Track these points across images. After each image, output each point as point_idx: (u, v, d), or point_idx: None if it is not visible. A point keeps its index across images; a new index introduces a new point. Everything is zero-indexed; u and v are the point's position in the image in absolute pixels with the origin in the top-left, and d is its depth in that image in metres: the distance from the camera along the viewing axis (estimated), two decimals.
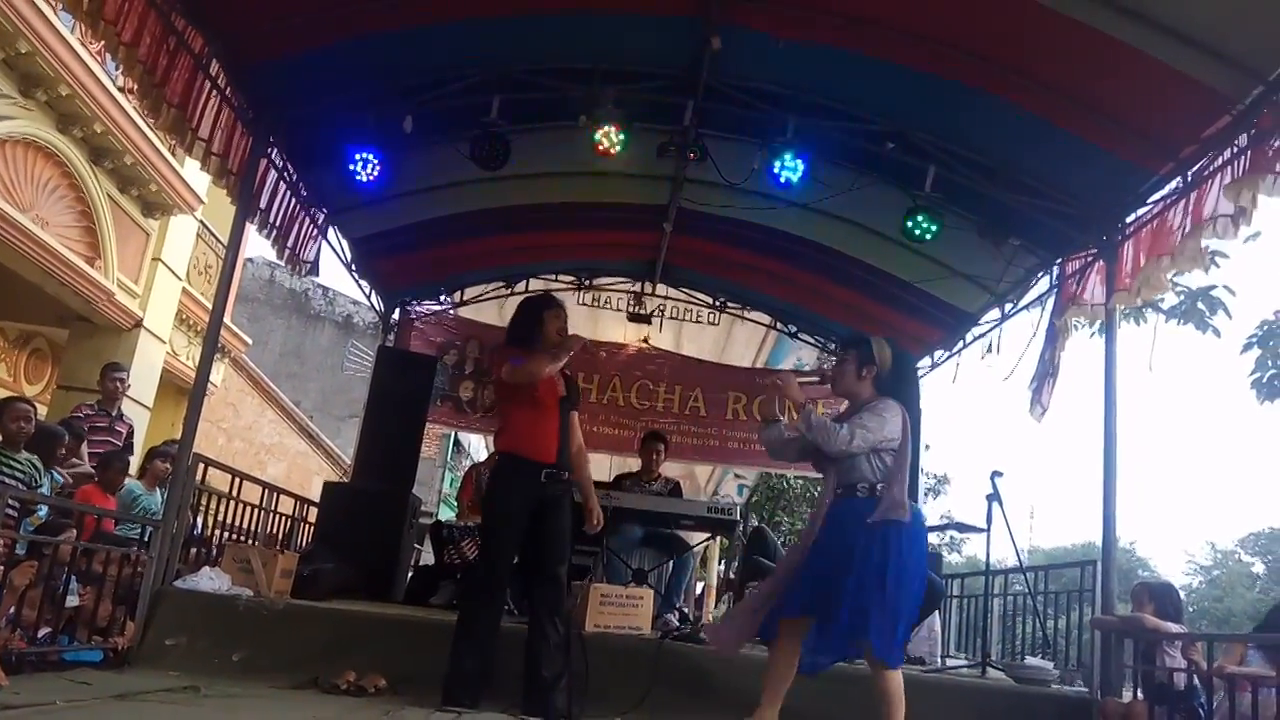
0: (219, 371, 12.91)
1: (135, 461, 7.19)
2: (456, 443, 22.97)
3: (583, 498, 4.54)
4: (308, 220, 6.73)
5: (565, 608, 4.33)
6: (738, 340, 10.29)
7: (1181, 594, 5.24)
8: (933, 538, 11.14)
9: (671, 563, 6.55)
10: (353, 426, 12.87)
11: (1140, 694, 4.59)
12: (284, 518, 6.87)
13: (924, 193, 5.73)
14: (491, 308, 9.63)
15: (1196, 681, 4.27)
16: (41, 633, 4.16)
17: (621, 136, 5.57)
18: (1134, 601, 4.95)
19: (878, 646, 3.59)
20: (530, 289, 9.21)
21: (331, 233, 7.27)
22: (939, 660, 5.96)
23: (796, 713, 4.52)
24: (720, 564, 18.08)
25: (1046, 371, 6.27)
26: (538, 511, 4.25)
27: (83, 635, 4.43)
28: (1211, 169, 4.66)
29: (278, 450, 16.79)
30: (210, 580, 4.90)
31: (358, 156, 5.70)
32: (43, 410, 7.97)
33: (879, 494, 3.74)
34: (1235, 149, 4.46)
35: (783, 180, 5.71)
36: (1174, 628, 4.59)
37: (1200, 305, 9.43)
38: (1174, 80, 4.43)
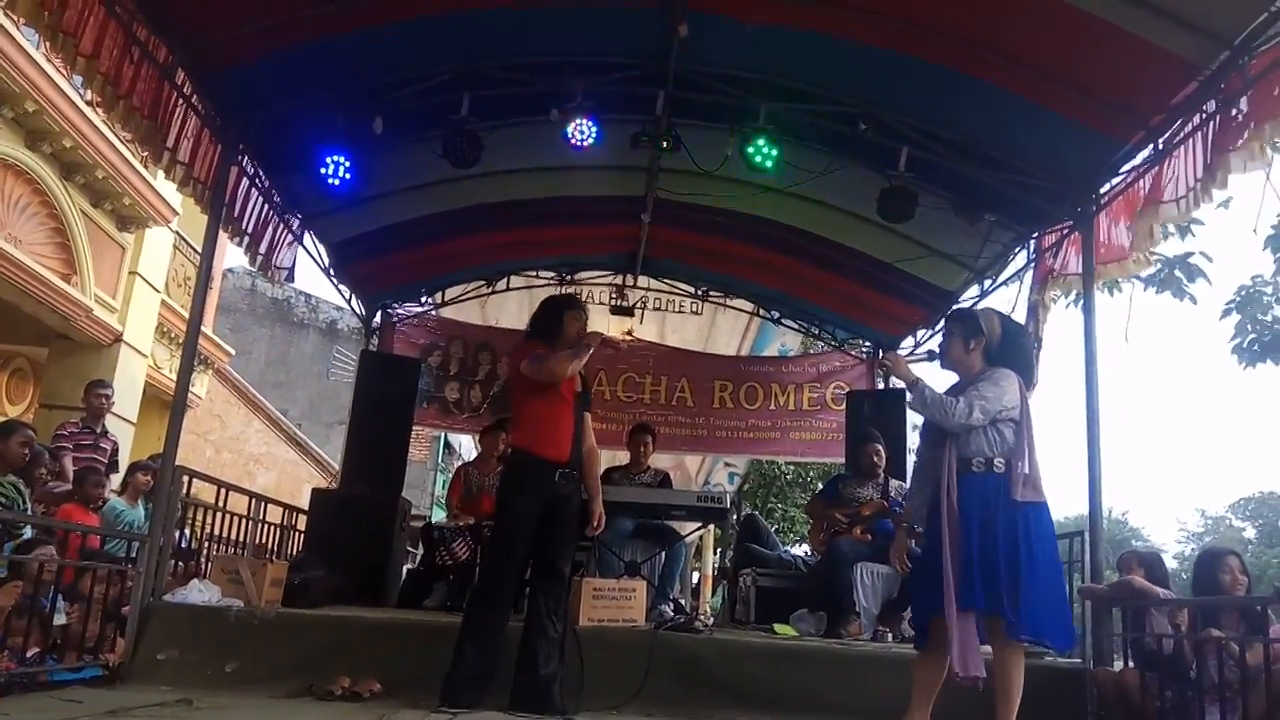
0: (203, 383, 12.84)
1: (120, 477, 7.14)
2: (447, 444, 22.93)
3: (588, 497, 4.54)
4: (282, 226, 6.69)
5: (565, 605, 4.32)
6: (721, 329, 10.29)
7: (1175, 562, 5.28)
8: None
9: (664, 554, 6.56)
10: (341, 433, 12.82)
11: (1131, 662, 4.62)
12: (273, 527, 6.84)
13: (898, 172, 5.73)
14: (473, 307, 9.61)
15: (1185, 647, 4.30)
16: (30, 653, 4.13)
17: (593, 129, 5.55)
18: (1122, 569, 4.97)
19: (1010, 623, 3.51)
20: (511, 287, 9.22)
21: (308, 238, 7.23)
22: None
23: (789, 692, 4.56)
24: (715, 553, 18.13)
25: (1031, 345, 6.29)
26: (547, 508, 4.26)
27: (71, 654, 4.40)
28: (1181, 136, 4.68)
29: (266, 460, 16.73)
30: (200, 592, 4.87)
31: (329, 160, 5.66)
32: None
33: (997, 469, 3.63)
34: (1204, 114, 4.48)
35: (757, 165, 5.71)
36: (1161, 591, 4.62)
37: (1178, 273, 9.46)
38: (1140, 49, 4.44)
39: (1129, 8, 4.29)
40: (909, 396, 3.89)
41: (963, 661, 3.59)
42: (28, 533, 5.11)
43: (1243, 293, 10.21)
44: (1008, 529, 3.56)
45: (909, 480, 5.62)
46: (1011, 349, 3.87)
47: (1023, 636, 3.57)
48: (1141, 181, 5.09)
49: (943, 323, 4.17)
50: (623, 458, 7.58)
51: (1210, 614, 4.16)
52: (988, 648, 3.68)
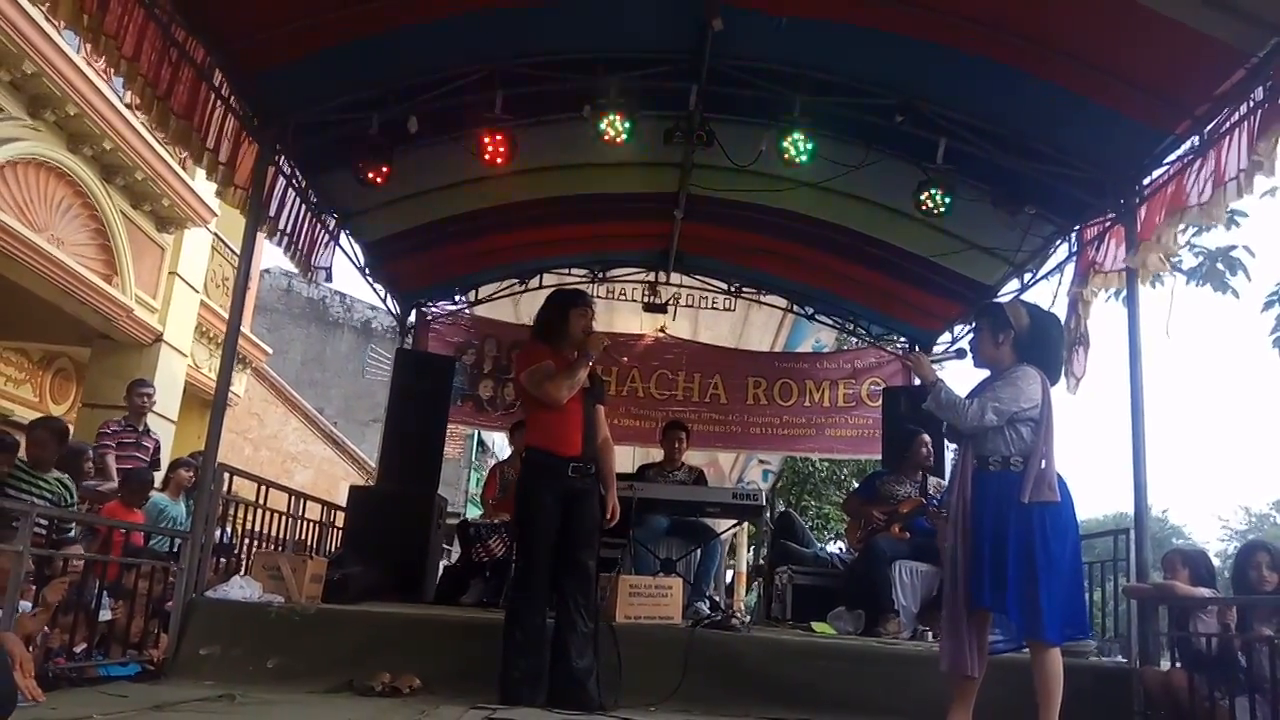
0: (241, 382, 12.99)
1: (162, 475, 7.24)
2: (481, 442, 23.05)
3: (604, 490, 4.54)
4: (319, 226, 6.74)
5: (593, 598, 4.33)
6: (755, 325, 10.25)
7: (1217, 560, 5.19)
8: None
9: (699, 551, 6.54)
10: (377, 431, 12.93)
11: (1178, 662, 4.54)
12: (312, 524, 6.91)
13: (936, 165, 5.66)
14: (506, 305, 9.63)
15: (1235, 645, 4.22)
16: (78, 649, 4.20)
17: (627, 125, 5.53)
18: (1167, 568, 4.88)
19: (1020, 623, 3.57)
20: (544, 284, 9.20)
21: (344, 238, 7.28)
22: None
23: (817, 690, 4.52)
24: (749, 550, 18.09)
25: (1075, 341, 6.18)
26: (566, 504, 4.28)
27: (117, 650, 4.46)
28: (1228, 125, 4.58)
29: (304, 458, 16.89)
30: (241, 589, 4.92)
31: (365, 159, 5.69)
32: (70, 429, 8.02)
33: (1014, 468, 3.64)
34: (1251, 103, 4.38)
35: (792, 160, 5.67)
36: (1206, 592, 4.53)
37: (1220, 266, 9.26)
38: (1186, 37, 4.35)
39: None
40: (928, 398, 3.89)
41: (952, 659, 3.65)
42: (71, 530, 5.20)
43: None
44: (1020, 530, 3.56)
45: (947, 478, 5.56)
46: (1041, 340, 3.84)
47: (1047, 637, 3.56)
48: (1185, 172, 4.99)
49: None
50: (657, 454, 7.58)
51: (1248, 612, 4.10)
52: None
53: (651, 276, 9.21)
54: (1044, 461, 3.64)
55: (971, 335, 4.08)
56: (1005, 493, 3.62)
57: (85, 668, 4.20)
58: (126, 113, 8.37)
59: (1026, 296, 7.13)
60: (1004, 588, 3.53)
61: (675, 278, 9.25)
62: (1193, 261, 9.41)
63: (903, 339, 9.32)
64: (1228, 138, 4.56)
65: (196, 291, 10.79)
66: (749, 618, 6.79)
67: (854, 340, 10.18)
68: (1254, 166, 4.29)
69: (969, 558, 3.64)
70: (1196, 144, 4.89)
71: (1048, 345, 3.88)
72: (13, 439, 5.48)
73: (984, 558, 3.59)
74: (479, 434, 21.50)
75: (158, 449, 7.37)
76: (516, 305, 9.69)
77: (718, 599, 7.16)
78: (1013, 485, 3.61)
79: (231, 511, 5.72)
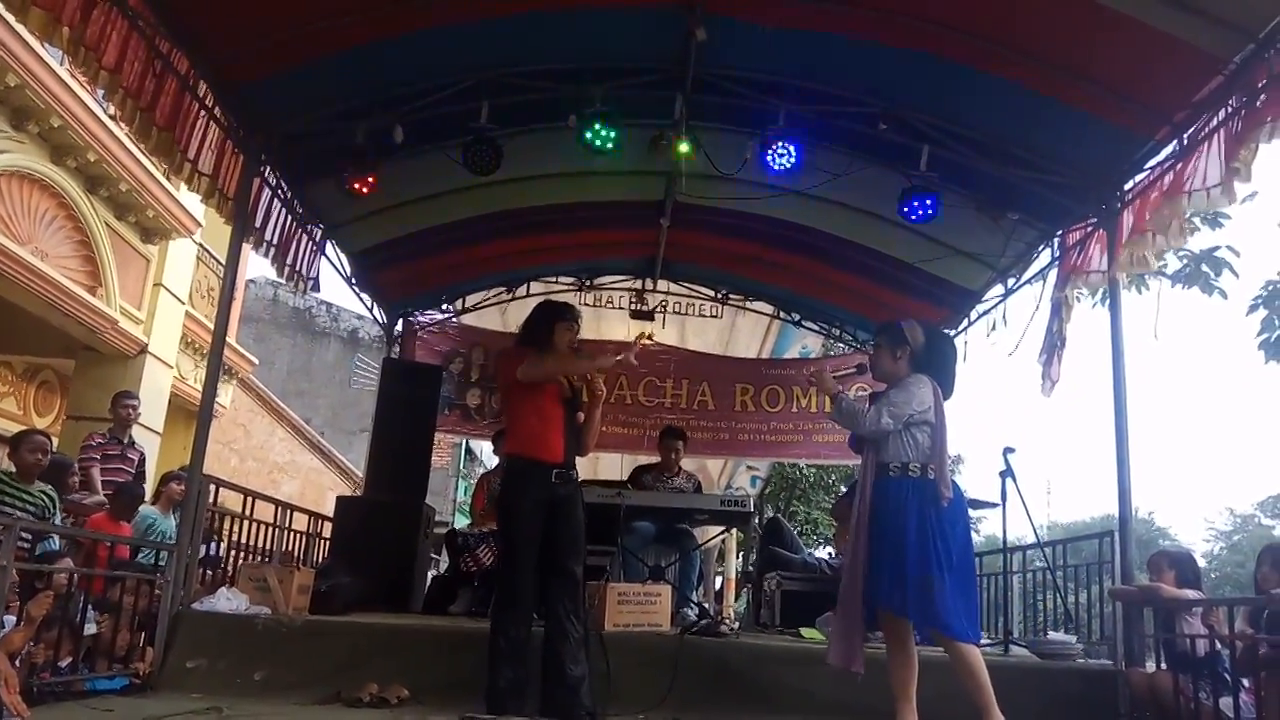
0: (227, 393, 12.94)
1: (148, 488, 7.20)
2: (469, 451, 23.00)
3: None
4: (305, 237, 6.73)
5: (582, 604, 4.33)
6: (742, 331, 10.27)
7: (1202, 561, 5.23)
8: None
9: (683, 558, 6.55)
10: (364, 440, 12.88)
11: (1164, 663, 4.57)
12: (299, 534, 6.88)
13: (919, 172, 5.70)
14: (493, 314, 9.63)
15: (1219, 647, 4.25)
16: (63, 663, 4.17)
17: (612, 134, 5.54)
18: (1152, 570, 4.91)
19: (936, 624, 3.70)
20: (531, 293, 9.20)
21: (330, 248, 7.27)
22: None
23: (812, 696, 4.53)
24: (738, 557, 18.08)
25: (1054, 344, 6.25)
26: (551, 511, 4.28)
27: (103, 663, 4.44)
28: (1206, 131, 4.63)
29: (290, 468, 16.83)
30: (228, 601, 4.90)
31: (350, 170, 5.69)
32: (54, 442, 7.98)
33: (912, 473, 3.79)
34: (1229, 109, 4.43)
35: (777, 168, 5.68)
36: (1191, 594, 4.56)
37: (1205, 268, 9.35)
38: (1163, 44, 4.40)
39: (1150, 1, 4.25)
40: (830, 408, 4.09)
41: (848, 655, 3.83)
42: (55, 543, 5.16)
43: (1269, 287, 10.07)
44: (921, 533, 3.70)
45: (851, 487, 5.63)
46: (936, 357, 4.07)
47: (963, 635, 3.70)
48: (1165, 177, 5.04)
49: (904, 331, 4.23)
50: (645, 460, 7.57)
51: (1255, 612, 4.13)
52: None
53: (639, 284, 9.25)
54: (938, 467, 3.82)
55: (871, 351, 4.31)
56: (909, 497, 3.76)
57: (71, 682, 4.17)
58: (110, 124, 8.35)
59: (1011, 301, 7.21)
60: (919, 591, 3.66)
61: (662, 285, 9.30)
62: (1177, 265, 9.51)
63: None
64: (1206, 143, 4.62)
65: (182, 302, 10.76)
66: (738, 624, 6.78)
67: (840, 346, 10.21)
68: (1232, 173, 4.34)
69: (871, 561, 3.77)
70: (1176, 149, 4.94)
71: (942, 362, 4.09)
72: None
73: (886, 562, 3.72)
74: (467, 443, 21.46)
75: (143, 461, 7.33)
76: (504, 314, 9.68)
77: (706, 605, 7.16)
78: (914, 490, 3.77)
79: (218, 523, 5.69)
